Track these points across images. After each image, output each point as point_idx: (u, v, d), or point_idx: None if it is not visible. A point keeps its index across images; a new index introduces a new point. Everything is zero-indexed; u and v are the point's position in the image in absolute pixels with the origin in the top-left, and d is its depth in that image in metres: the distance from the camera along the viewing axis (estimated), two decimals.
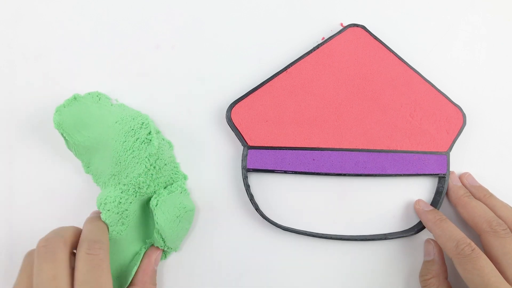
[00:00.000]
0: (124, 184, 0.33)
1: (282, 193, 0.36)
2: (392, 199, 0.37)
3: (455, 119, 0.37)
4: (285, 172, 0.35)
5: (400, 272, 0.36)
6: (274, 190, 0.36)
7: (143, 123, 0.32)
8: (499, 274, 0.30)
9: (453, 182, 0.36)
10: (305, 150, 0.35)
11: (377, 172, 0.36)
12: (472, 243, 0.31)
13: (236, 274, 0.36)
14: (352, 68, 0.36)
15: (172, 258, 0.35)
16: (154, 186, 0.33)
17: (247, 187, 0.35)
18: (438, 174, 0.36)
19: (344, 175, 0.35)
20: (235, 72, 0.37)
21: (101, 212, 0.30)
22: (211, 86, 0.36)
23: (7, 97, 0.36)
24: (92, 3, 0.37)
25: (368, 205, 0.36)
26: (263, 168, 0.35)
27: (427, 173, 0.36)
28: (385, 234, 0.36)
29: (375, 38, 0.37)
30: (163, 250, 0.35)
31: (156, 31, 0.37)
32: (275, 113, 0.35)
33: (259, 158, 0.35)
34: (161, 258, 0.35)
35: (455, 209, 0.36)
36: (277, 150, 0.35)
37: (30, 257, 0.29)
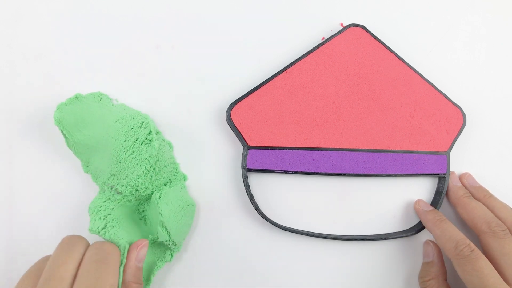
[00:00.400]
0: (123, 185, 0.33)
1: (282, 193, 0.36)
2: (392, 199, 0.37)
3: (455, 119, 0.37)
4: (285, 172, 0.35)
5: (400, 272, 0.36)
6: (274, 190, 0.36)
7: (143, 122, 0.32)
8: (498, 275, 0.30)
9: (453, 182, 0.36)
10: (305, 150, 0.35)
11: (377, 172, 0.36)
12: (472, 244, 0.31)
13: (236, 274, 0.36)
14: (352, 68, 0.36)
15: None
16: (152, 188, 0.33)
17: (247, 187, 0.35)
18: (438, 174, 0.36)
19: (344, 175, 0.35)
20: (235, 72, 0.37)
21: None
22: (211, 86, 0.36)
23: (7, 97, 0.36)
24: (92, 3, 0.37)
25: (368, 205, 0.36)
26: (263, 168, 0.35)
27: (427, 173, 0.36)
28: (385, 234, 0.36)
29: (375, 38, 0.37)
30: (170, 250, 0.34)
31: (156, 31, 0.37)
32: (275, 113, 0.35)
33: (259, 158, 0.35)
34: (167, 260, 0.34)
35: (454, 209, 0.36)
36: (277, 150, 0.35)
37: (44, 260, 0.29)
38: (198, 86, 0.36)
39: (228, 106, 0.35)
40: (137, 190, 0.33)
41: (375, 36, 0.37)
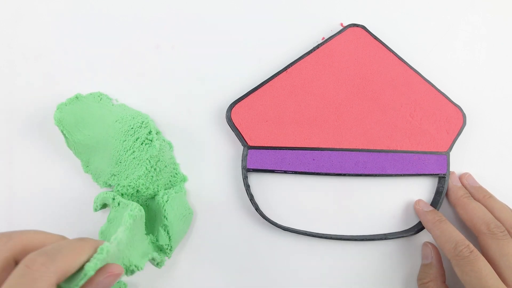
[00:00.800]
0: (123, 186, 0.33)
1: (282, 193, 0.36)
2: (392, 199, 0.37)
3: (455, 119, 0.37)
4: (285, 172, 0.35)
5: (400, 272, 0.36)
6: (274, 190, 0.36)
7: (143, 122, 0.32)
8: (497, 276, 0.30)
9: (453, 183, 0.36)
10: (305, 150, 0.35)
11: (377, 172, 0.36)
12: (471, 245, 0.31)
13: (236, 273, 0.36)
14: (352, 68, 0.36)
15: (172, 257, 0.35)
16: (153, 189, 0.33)
17: (247, 187, 0.35)
18: (438, 174, 0.36)
19: (344, 175, 0.35)
20: (235, 72, 0.37)
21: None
22: (211, 86, 0.36)
23: (7, 97, 0.36)
24: (92, 3, 0.37)
25: (368, 205, 0.36)
26: (263, 168, 0.35)
27: (427, 173, 0.36)
28: (385, 234, 0.36)
29: (375, 38, 0.37)
30: (156, 260, 0.33)
31: (156, 31, 0.37)
32: (275, 113, 0.35)
33: (259, 158, 0.35)
34: (158, 265, 0.34)
35: (454, 209, 0.36)
36: (277, 150, 0.35)
37: None
38: (198, 86, 0.36)
39: (228, 106, 0.35)
40: (138, 191, 0.33)
41: (375, 36, 0.37)
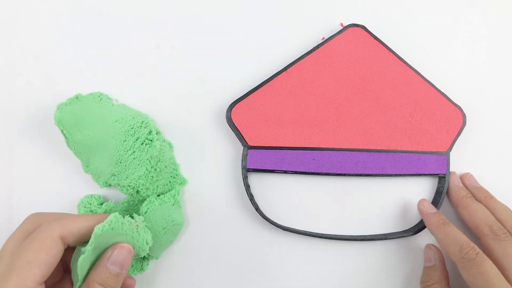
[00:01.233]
0: (123, 186, 0.33)
1: (282, 193, 0.36)
2: (392, 199, 0.37)
3: (455, 119, 0.37)
4: (285, 172, 0.35)
5: (400, 272, 0.36)
6: (274, 190, 0.36)
7: (143, 122, 0.32)
8: (503, 277, 0.30)
9: (454, 183, 0.36)
10: (305, 150, 0.35)
11: (377, 172, 0.36)
12: (476, 247, 0.31)
13: (236, 273, 0.36)
14: (352, 68, 0.36)
15: (172, 257, 0.35)
16: (153, 189, 0.33)
17: (247, 187, 0.35)
18: (438, 174, 0.36)
19: (344, 175, 0.35)
20: (235, 72, 0.37)
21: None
22: (211, 86, 0.36)
23: (7, 97, 0.36)
24: (92, 3, 0.37)
25: (368, 205, 0.36)
26: (263, 168, 0.35)
27: (427, 173, 0.36)
28: (385, 234, 0.36)
29: (375, 38, 0.37)
30: (146, 258, 0.34)
31: (156, 31, 0.37)
32: (275, 113, 0.35)
33: (259, 158, 0.35)
34: (139, 270, 0.34)
35: (455, 209, 0.36)
36: (277, 150, 0.35)
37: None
38: (198, 86, 0.36)
39: (228, 106, 0.35)
40: (138, 191, 0.33)
41: (375, 36, 0.37)
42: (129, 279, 0.32)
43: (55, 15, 0.37)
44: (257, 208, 0.35)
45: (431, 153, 0.36)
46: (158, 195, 0.34)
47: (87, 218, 0.28)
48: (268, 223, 0.35)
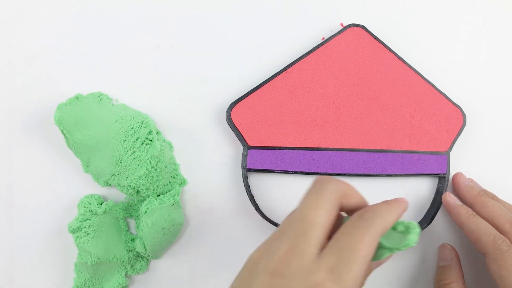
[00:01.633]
0: (124, 186, 0.33)
1: (282, 193, 0.36)
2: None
3: (455, 119, 0.37)
4: (285, 172, 0.35)
5: (400, 272, 0.36)
6: (274, 190, 0.36)
7: (143, 121, 0.32)
8: None
9: (464, 183, 0.36)
10: (305, 150, 0.35)
11: (377, 172, 0.36)
12: (507, 240, 0.30)
13: (236, 274, 0.35)
14: (352, 68, 0.36)
15: (172, 257, 0.35)
16: (153, 189, 0.33)
17: (247, 187, 0.35)
18: (438, 174, 0.36)
19: (344, 175, 0.35)
20: (235, 72, 0.37)
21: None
22: (211, 86, 0.36)
23: (7, 97, 0.36)
24: (92, 3, 0.37)
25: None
26: (263, 168, 0.35)
27: (427, 173, 0.36)
28: None
29: (375, 38, 0.37)
30: (146, 258, 0.35)
31: (156, 31, 0.37)
32: (275, 113, 0.35)
33: (259, 158, 0.35)
34: (139, 270, 0.35)
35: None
36: (277, 150, 0.35)
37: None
38: (198, 86, 0.36)
39: (228, 106, 0.35)
40: (138, 191, 0.33)
41: (375, 36, 0.37)
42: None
43: (55, 15, 0.37)
44: (257, 208, 0.35)
45: (431, 153, 0.36)
46: (158, 195, 0.34)
47: (389, 218, 0.26)
48: (268, 223, 0.35)
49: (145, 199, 0.34)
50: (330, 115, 0.36)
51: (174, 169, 0.35)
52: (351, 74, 0.36)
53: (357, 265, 0.22)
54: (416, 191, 0.37)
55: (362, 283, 0.25)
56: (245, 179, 0.35)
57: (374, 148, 0.36)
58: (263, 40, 0.37)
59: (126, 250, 0.34)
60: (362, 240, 0.23)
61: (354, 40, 0.36)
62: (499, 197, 0.35)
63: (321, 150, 0.35)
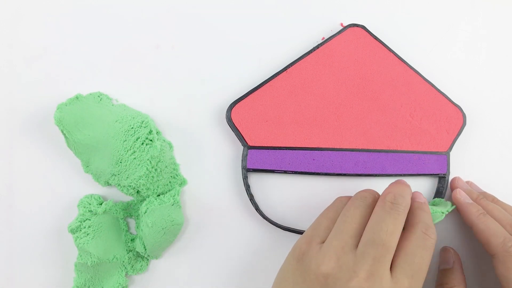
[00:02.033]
0: (124, 186, 0.33)
1: (282, 193, 0.36)
2: None
3: (455, 119, 0.37)
4: (285, 172, 0.35)
5: None
6: (274, 190, 0.36)
7: (142, 121, 0.32)
8: None
9: (465, 200, 0.34)
10: (305, 150, 0.35)
11: (377, 172, 0.36)
12: None
13: (236, 274, 0.36)
14: (352, 68, 0.36)
15: (172, 257, 0.35)
16: (153, 189, 0.33)
17: (247, 187, 0.35)
18: (438, 174, 0.36)
19: (344, 175, 0.35)
20: (235, 72, 0.37)
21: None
22: (211, 86, 0.36)
23: (7, 97, 0.36)
24: (92, 3, 0.37)
25: None
26: (263, 168, 0.35)
27: (427, 173, 0.36)
28: None
29: (375, 38, 0.37)
30: (146, 258, 0.35)
31: (156, 31, 0.37)
32: (275, 113, 0.35)
33: (259, 158, 0.35)
34: (139, 270, 0.35)
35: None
36: (277, 150, 0.35)
37: (343, 201, 0.31)
38: (198, 86, 0.36)
39: (228, 106, 0.35)
40: (138, 191, 0.33)
41: (375, 36, 0.37)
42: None
43: (55, 15, 0.37)
44: (257, 208, 0.35)
45: (431, 153, 0.36)
46: (158, 195, 0.34)
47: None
48: (268, 223, 0.35)
49: (145, 199, 0.34)
50: (330, 115, 0.36)
51: (174, 169, 0.35)
52: (351, 74, 0.36)
53: (423, 282, 0.26)
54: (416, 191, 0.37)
55: None
56: (245, 179, 0.35)
57: (374, 148, 0.36)
58: (263, 40, 0.37)
59: (126, 250, 0.34)
60: (428, 261, 0.27)
61: (354, 40, 0.36)
62: (499, 198, 0.35)
63: (321, 150, 0.35)
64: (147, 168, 0.32)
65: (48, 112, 0.35)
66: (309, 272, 0.27)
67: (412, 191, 0.37)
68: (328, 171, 0.35)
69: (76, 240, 0.32)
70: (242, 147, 0.36)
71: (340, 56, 0.36)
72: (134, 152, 0.32)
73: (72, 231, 0.33)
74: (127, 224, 0.35)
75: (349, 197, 0.32)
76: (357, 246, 0.27)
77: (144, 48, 0.37)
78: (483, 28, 0.39)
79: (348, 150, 0.35)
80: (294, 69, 0.36)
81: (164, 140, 0.35)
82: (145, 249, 0.33)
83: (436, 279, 0.34)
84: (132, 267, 0.34)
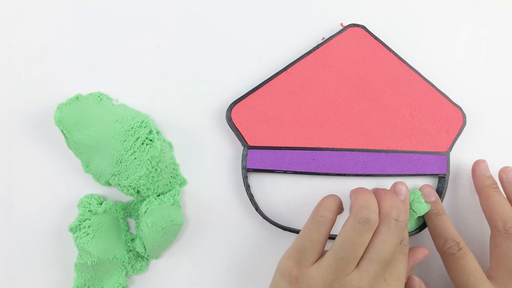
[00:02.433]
0: (124, 186, 0.33)
1: (282, 193, 0.36)
2: None
3: (455, 119, 0.37)
4: (285, 172, 0.35)
5: None
6: (274, 190, 0.36)
7: (142, 121, 0.32)
8: (482, 275, 0.31)
9: (481, 171, 0.36)
10: (305, 150, 0.35)
11: (377, 172, 0.36)
12: (462, 242, 0.32)
13: (236, 273, 0.36)
14: (352, 68, 0.36)
15: (172, 257, 0.35)
16: (153, 189, 0.33)
17: (247, 187, 0.35)
18: (438, 174, 0.36)
19: (344, 175, 0.35)
20: (235, 72, 0.37)
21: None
22: (211, 86, 0.36)
23: (7, 97, 0.36)
24: (92, 3, 0.37)
25: None
26: (263, 168, 0.35)
27: (427, 173, 0.36)
28: None
29: (375, 38, 0.37)
30: (146, 258, 0.35)
31: (156, 31, 0.37)
32: (275, 113, 0.35)
33: (259, 158, 0.35)
34: (139, 270, 0.35)
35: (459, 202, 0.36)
36: (277, 150, 0.35)
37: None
38: (198, 86, 0.36)
39: (228, 106, 0.35)
40: (138, 191, 0.33)
41: (375, 36, 0.37)
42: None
43: (55, 15, 0.37)
44: (257, 208, 0.35)
45: (431, 153, 0.36)
46: (158, 195, 0.34)
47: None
48: (268, 223, 0.35)
49: (145, 199, 0.34)
50: (330, 115, 0.36)
51: (174, 169, 0.35)
52: (351, 74, 0.36)
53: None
54: None
55: None
56: (245, 179, 0.35)
57: (374, 148, 0.36)
58: (263, 40, 0.37)
59: (126, 250, 0.34)
60: (407, 266, 0.31)
61: (354, 40, 0.36)
62: None
63: (321, 150, 0.35)
64: (147, 168, 0.32)
65: (48, 112, 0.35)
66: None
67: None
68: (328, 171, 0.35)
69: (76, 240, 0.32)
70: (242, 147, 0.36)
71: (340, 56, 0.36)
72: (134, 152, 0.32)
73: (72, 230, 0.33)
74: (127, 224, 0.35)
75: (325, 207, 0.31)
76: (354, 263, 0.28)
77: (144, 48, 0.37)
78: (483, 28, 0.39)
79: (348, 150, 0.35)
80: (294, 69, 0.36)
81: (164, 140, 0.35)
82: (145, 249, 0.33)
83: None
84: (132, 267, 0.34)
